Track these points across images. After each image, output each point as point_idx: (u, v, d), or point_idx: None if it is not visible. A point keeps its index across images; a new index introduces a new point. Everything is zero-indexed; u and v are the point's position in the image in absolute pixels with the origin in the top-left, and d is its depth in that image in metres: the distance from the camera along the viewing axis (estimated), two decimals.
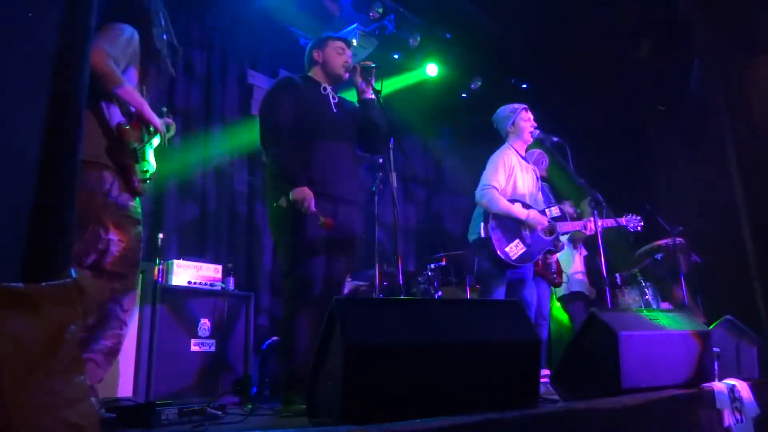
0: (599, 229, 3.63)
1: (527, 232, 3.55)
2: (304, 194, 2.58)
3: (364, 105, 2.93)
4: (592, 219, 3.71)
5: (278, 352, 2.75)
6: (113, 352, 2.16)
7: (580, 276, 4.83)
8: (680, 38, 5.32)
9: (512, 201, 3.58)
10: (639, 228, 3.92)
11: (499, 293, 3.45)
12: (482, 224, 3.51)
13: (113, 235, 2.15)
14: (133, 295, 2.29)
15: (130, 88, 2.22)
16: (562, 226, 3.70)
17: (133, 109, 2.26)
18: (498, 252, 3.44)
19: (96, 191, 2.13)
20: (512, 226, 3.52)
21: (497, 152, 3.73)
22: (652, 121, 6.00)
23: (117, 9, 2.32)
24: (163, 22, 2.46)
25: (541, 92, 6.37)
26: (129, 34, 2.27)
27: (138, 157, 2.25)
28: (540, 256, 3.75)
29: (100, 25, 2.23)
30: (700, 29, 5.13)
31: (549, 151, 4.24)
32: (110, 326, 2.14)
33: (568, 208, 4.55)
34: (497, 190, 3.53)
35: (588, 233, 3.77)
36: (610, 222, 3.81)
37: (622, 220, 3.88)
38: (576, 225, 3.77)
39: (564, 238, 4.21)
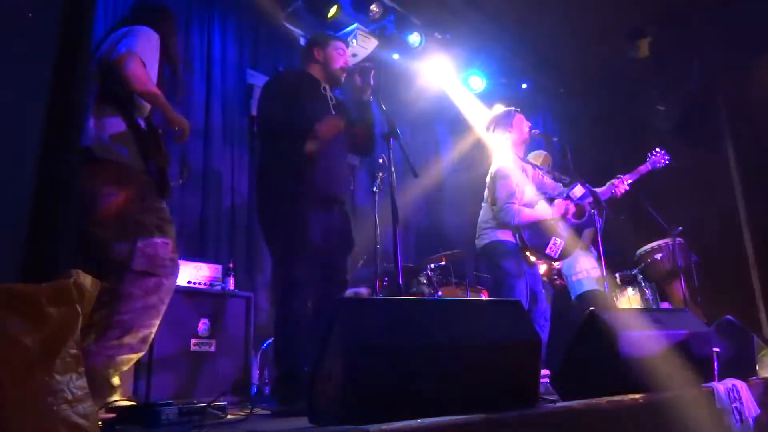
0: (600, 228, 3.64)
1: (561, 226, 3.63)
2: (328, 122, 2.57)
3: (361, 106, 2.90)
4: (616, 182, 3.82)
5: (274, 351, 2.76)
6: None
7: (585, 274, 4.80)
8: (680, 38, 5.32)
9: (533, 203, 3.63)
10: (667, 161, 4.00)
11: (522, 291, 3.47)
12: (517, 236, 3.57)
13: (159, 239, 2.22)
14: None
15: (158, 92, 2.25)
16: (590, 200, 3.73)
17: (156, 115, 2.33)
18: (540, 256, 3.57)
19: (136, 197, 2.19)
20: (544, 228, 3.60)
21: (502, 164, 3.71)
22: (652, 121, 6.00)
23: (144, 15, 2.39)
24: (178, 38, 2.55)
25: (541, 92, 6.38)
26: (155, 40, 2.32)
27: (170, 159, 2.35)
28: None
29: (124, 25, 2.32)
30: (700, 29, 5.14)
31: (550, 151, 4.25)
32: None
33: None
34: (516, 204, 3.57)
35: (619, 194, 3.84)
36: (635, 175, 3.91)
37: (647, 165, 3.97)
38: (605, 193, 3.80)
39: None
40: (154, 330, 2.24)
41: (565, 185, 3.88)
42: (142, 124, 2.29)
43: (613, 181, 3.86)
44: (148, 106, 2.33)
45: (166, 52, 2.40)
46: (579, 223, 3.74)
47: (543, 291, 3.86)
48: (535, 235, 3.58)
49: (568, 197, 3.75)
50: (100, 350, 2.07)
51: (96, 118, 2.19)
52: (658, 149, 4.05)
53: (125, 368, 2.21)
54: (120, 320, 2.11)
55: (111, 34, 2.31)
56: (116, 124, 2.20)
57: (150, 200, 2.25)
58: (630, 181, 3.88)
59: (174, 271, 2.29)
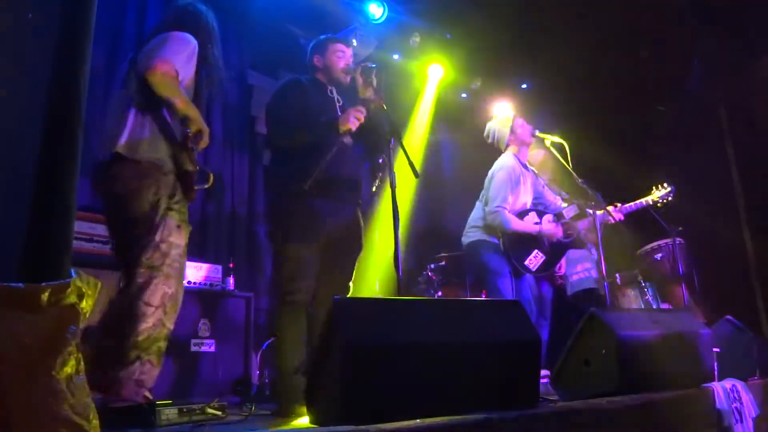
0: (599, 228, 3.64)
1: (544, 240, 3.63)
2: (349, 114, 2.63)
3: (367, 105, 2.91)
4: (612, 209, 3.78)
5: (276, 353, 2.76)
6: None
7: (586, 274, 4.80)
8: (680, 38, 5.32)
9: (524, 212, 3.63)
10: (670, 197, 3.92)
11: (507, 290, 3.46)
12: (499, 241, 3.57)
13: (175, 239, 2.23)
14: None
15: (187, 100, 2.28)
16: (582, 223, 3.73)
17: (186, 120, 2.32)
18: (518, 267, 3.55)
19: (163, 194, 2.22)
20: (528, 239, 3.60)
21: (501, 167, 3.71)
22: (652, 121, 6.00)
23: (182, 21, 2.41)
24: (218, 46, 2.55)
25: (541, 92, 6.37)
26: (193, 46, 2.34)
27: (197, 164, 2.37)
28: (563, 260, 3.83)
29: (162, 30, 2.35)
30: (700, 30, 5.13)
31: (550, 152, 4.24)
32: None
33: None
34: (507, 210, 3.57)
35: (613, 221, 3.77)
36: (633, 207, 3.86)
37: (648, 200, 3.91)
38: (597, 219, 3.77)
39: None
40: (166, 342, 2.26)
41: (564, 200, 3.88)
42: (175, 128, 2.33)
43: (609, 207, 3.83)
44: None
45: (204, 59, 2.43)
46: (566, 242, 3.73)
47: (532, 298, 3.86)
48: (518, 245, 3.58)
49: (559, 215, 3.75)
50: (129, 376, 2.10)
51: (131, 120, 2.24)
52: (665, 185, 3.98)
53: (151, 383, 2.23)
54: (137, 341, 2.13)
55: (151, 40, 2.35)
56: (150, 127, 2.26)
57: (177, 200, 2.28)
58: (626, 212, 3.84)
59: (179, 274, 2.28)
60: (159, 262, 2.18)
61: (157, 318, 2.18)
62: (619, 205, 3.86)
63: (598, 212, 3.64)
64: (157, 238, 2.18)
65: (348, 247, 2.83)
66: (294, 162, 2.68)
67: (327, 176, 2.66)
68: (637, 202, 3.93)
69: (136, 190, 2.19)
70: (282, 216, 2.69)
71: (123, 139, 2.21)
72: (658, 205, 3.95)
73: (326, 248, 2.70)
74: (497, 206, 3.56)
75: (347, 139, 2.81)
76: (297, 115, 2.71)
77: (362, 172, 2.93)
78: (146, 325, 2.15)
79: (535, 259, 3.59)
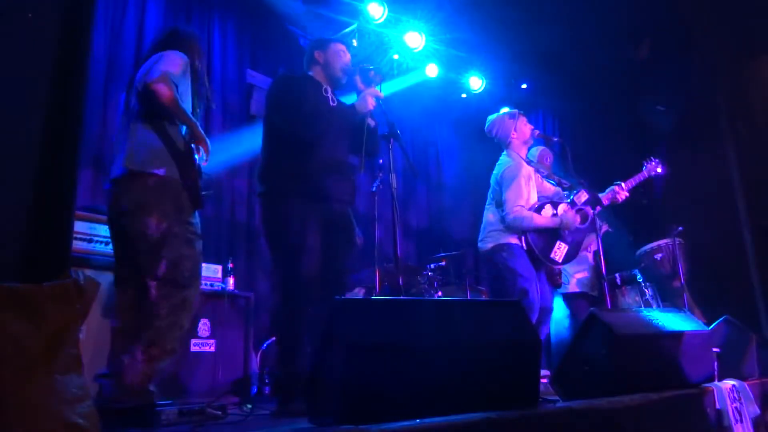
0: (599, 229, 3.65)
1: (565, 231, 3.65)
2: (366, 95, 2.72)
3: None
4: (616, 188, 3.85)
5: (277, 352, 2.76)
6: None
7: (584, 274, 4.81)
8: (680, 38, 5.32)
9: (540, 207, 3.64)
10: (660, 170, 4.08)
11: (534, 292, 3.44)
12: (523, 238, 3.57)
13: (186, 251, 2.29)
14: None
15: (185, 111, 2.36)
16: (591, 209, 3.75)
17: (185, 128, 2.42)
18: (544, 261, 3.57)
19: (171, 209, 2.28)
20: (549, 232, 3.61)
21: (509, 166, 3.69)
22: (652, 121, 6.00)
23: (172, 42, 2.53)
24: (203, 63, 2.68)
25: (541, 92, 6.38)
26: (186, 61, 2.46)
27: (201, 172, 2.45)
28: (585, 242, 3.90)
29: (155, 51, 2.46)
30: (700, 29, 5.14)
31: (550, 152, 4.25)
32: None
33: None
34: (525, 208, 3.57)
35: (620, 200, 3.86)
36: (633, 182, 3.97)
37: (644, 173, 4.03)
38: (606, 200, 3.82)
39: None
40: (177, 344, 2.28)
41: (565, 189, 3.87)
42: (178, 140, 2.41)
43: (613, 187, 3.86)
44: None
45: (193, 73, 2.54)
46: (582, 228, 3.74)
47: (549, 294, 3.86)
48: (540, 239, 3.57)
49: (572, 203, 3.75)
50: (134, 363, 2.11)
51: (136, 136, 2.32)
52: (652, 158, 4.10)
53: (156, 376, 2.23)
54: (146, 336, 2.16)
55: (146, 60, 2.43)
56: (155, 142, 2.34)
57: (185, 214, 2.34)
58: (629, 188, 3.90)
59: (193, 285, 2.31)
60: (170, 275, 2.23)
61: (170, 321, 2.21)
62: (621, 183, 3.90)
63: (597, 204, 3.67)
64: (165, 253, 2.24)
65: (343, 247, 2.83)
66: (289, 159, 2.71)
67: (326, 172, 2.69)
68: (636, 176, 4.03)
69: (146, 206, 2.25)
70: (282, 221, 2.69)
71: (132, 155, 2.29)
72: (653, 176, 4.08)
73: (324, 248, 2.71)
74: (517, 206, 3.55)
75: (371, 122, 2.85)
76: (306, 104, 2.72)
77: (357, 172, 2.92)
78: (157, 323, 2.18)
79: (559, 251, 3.61)
